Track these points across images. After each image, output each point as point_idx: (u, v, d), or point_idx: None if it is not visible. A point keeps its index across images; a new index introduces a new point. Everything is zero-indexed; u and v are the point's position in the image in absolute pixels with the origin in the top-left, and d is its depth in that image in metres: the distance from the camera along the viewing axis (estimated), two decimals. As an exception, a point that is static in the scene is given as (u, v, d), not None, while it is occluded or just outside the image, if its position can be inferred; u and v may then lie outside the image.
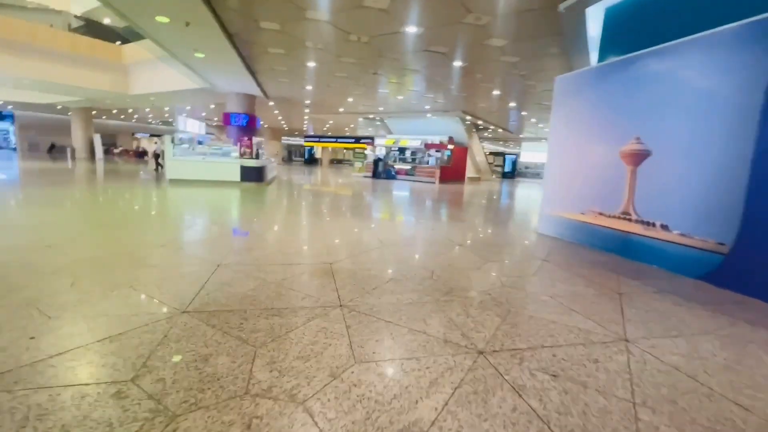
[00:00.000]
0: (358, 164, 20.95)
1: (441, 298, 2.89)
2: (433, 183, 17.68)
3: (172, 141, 11.00)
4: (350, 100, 15.68)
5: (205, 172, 11.09)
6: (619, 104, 4.70)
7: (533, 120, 19.07)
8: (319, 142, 36.91)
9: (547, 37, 6.99)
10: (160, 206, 7.07)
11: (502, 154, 32.01)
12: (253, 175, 11.48)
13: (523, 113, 16.79)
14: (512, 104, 14.54)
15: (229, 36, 8.11)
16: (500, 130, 24.22)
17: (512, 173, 31.20)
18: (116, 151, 35.11)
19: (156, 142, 20.14)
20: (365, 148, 23.87)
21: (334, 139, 35.84)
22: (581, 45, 6.83)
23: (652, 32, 4.52)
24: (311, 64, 9.97)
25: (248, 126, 15.12)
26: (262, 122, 30.13)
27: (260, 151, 12.45)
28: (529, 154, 38.66)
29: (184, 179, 10.83)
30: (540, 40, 7.19)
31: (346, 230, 5.32)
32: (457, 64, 9.14)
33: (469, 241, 5.08)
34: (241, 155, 11.50)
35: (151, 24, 7.57)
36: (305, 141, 37.43)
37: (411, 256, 4.12)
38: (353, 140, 32.96)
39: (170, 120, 29.55)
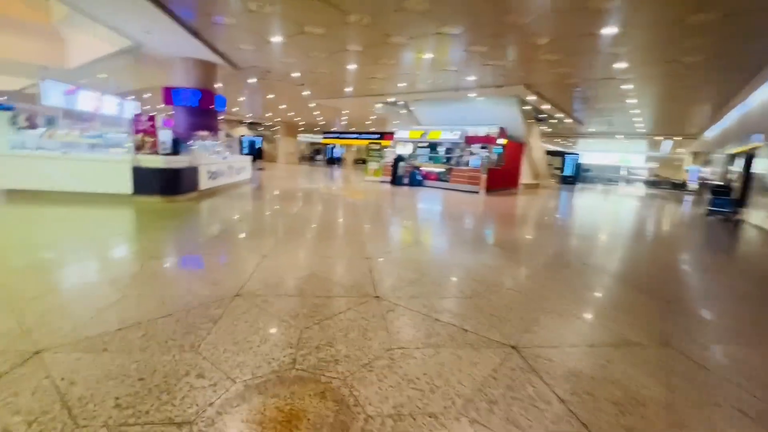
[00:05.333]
0: (372, 165, 15.57)
1: None
2: (477, 192, 12.00)
3: (14, 122, 6.18)
4: (351, 67, 10.33)
5: (63, 177, 6.13)
6: None
7: (631, 101, 12.77)
8: (338, 138, 31.98)
9: None
10: None
11: (561, 154, 25.25)
12: (158, 182, 6.39)
13: (625, 86, 10.63)
14: (620, 65, 8.54)
15: None
16: (568, 120, 17.94)
17: (574, 178, 24.36)
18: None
19: None
20: (387, 145, 18.44)
21: (355, 135, 30.79)
22: None
23: None
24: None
25: (202, 107, 10.21)
26: (268, 113, 25.52)
27: (189, 144, 7.41)
28: (592, 155, 31.54)
29: (16, 189, 5.97)
30: None
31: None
32: None
33: None
34: (137, 148, 6.47)
35: None
36: (323, 138, 32.61)
37: None
38: (378, 136, 27.76)
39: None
